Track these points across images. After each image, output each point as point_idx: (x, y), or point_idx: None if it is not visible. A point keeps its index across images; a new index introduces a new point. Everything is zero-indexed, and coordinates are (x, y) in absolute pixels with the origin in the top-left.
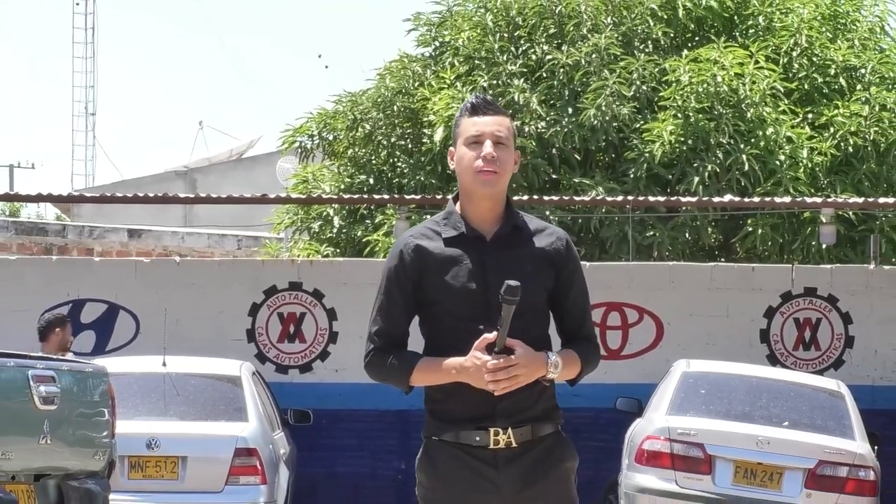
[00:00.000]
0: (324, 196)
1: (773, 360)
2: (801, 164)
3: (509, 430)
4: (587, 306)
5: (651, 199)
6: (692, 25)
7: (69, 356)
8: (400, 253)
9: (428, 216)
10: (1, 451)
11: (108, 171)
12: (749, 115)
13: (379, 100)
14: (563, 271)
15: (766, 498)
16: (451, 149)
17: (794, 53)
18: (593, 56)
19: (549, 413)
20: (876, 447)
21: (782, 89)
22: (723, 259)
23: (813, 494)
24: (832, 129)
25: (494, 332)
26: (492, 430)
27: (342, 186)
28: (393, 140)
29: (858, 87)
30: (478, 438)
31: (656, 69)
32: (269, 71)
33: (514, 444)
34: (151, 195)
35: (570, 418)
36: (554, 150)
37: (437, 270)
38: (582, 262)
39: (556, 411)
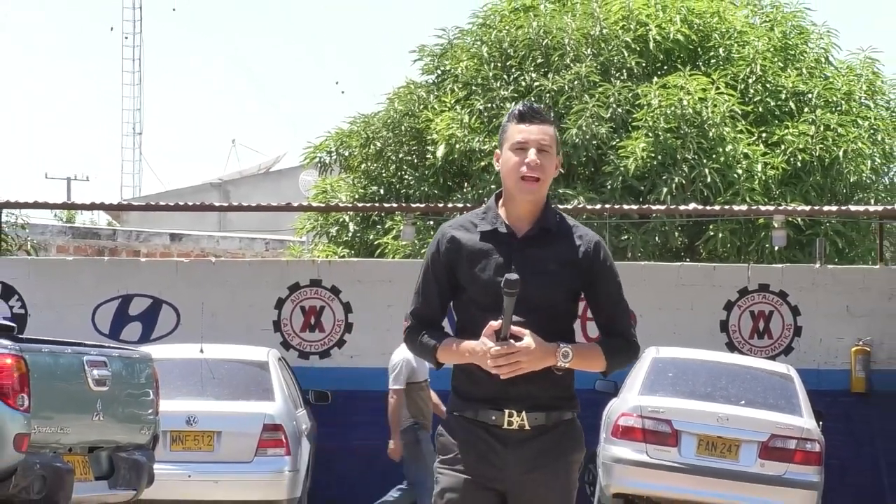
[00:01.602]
0: (340, 204)
1: (731, 347)
2: (756, 176)
3: (523, 413)
4: (619, 305)
5: (625, 207)
6: (661, 56)
7: (407, 351)
8: (437, 242)
9: (431, 222)
10: (59, 426)
11: (153, 182)
12: (711, 134)
13: (388, 121)
14: (589, 272)
15: (725, 467)
16: (497, 151)
17: (750, 80)
18: (575, 83)
19: (564, 401)
20: (821, 423)
21: (740, 111)
22: (688, 259)
23: (766, 464)
24: (783, 147)
25: (500, 320)
26: (506, 412)
27: (356, 196)
28: (400, 156)
29: (806, 109)
30: (493, 418)
31: (630, 94)
32: (294, 96)
33: (527, 427)
34: (190, 204)
35: None
36: None
37: (468, 261)
38: None
39: (572, 400)
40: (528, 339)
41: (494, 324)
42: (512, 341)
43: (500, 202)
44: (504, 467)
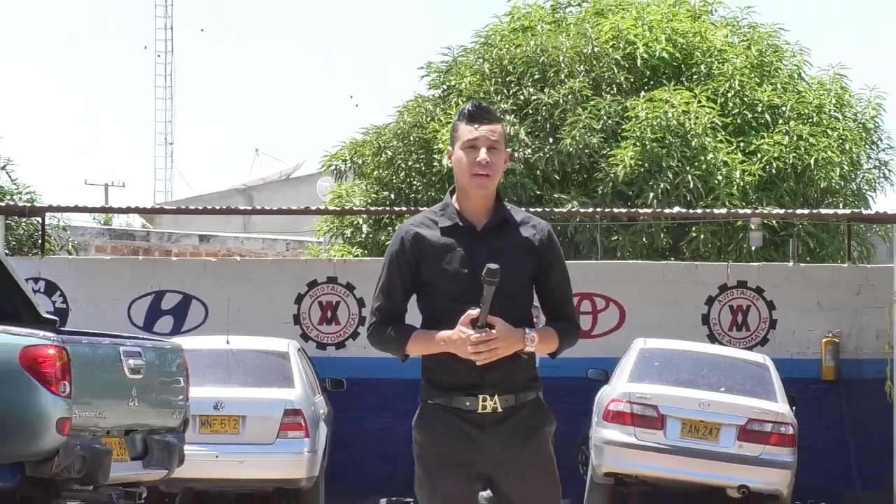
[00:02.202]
0: (354, 208)
1: (712, 338)
2: (734, 182)
3: (496, 396)
4: (568, 290)
5: (615, 210)
6: (648, 72)
7: None
8: (401, 239)
9: None
10: (98, 411)
11: (183, 188)
12: (693, 143)
13: (398, 131)
14: (545, 258)
15: (706, 448)
16: (449, 149)
17: (729, 94)
18: (569, 97)
19: (530, 382)
20: (794, 407)
21: (720, 123)
22: (672, 258)
23: (744, 445)
24: (759, 155)
25: (478, 309)
26: (480, 397)
27: (369, 200)
28: (409, 164)
29: (780, 121)
30: (468, 403)
31: (619, 107)
32: (312, 108)
33: (499, 409)
34: (217, 208)
35: (551, 385)
36: (538, 172)
37: (433, 256)
38: None
39: (537, 381)
40: (501, 326)
41: (473, 312)
42: (488, 329)
43: (454, 198)
44: (483, 450)
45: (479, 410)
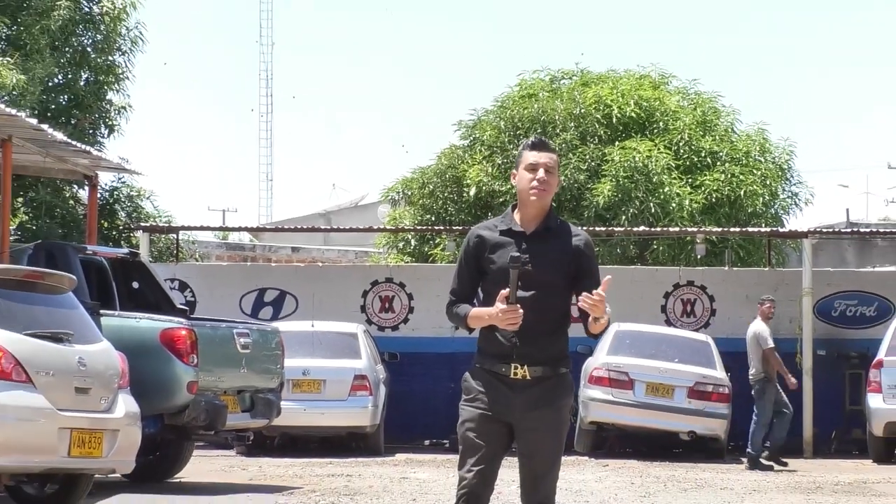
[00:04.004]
0: (405, 227)
1: (668, 323)
2: (684, 208)
3: (525, 366)
4: (598, 287)
5: (596, 229)
6: (621, 127)
7: (764, 325)
8: (468, 239)
9: None
10: (217, 376)
11: (280, 212)
12: (654, 180)
13: (437, 171)
14: (579, 261)
15: (665, 403)
16: (514, 171)
17: (681, 143)
18: (562, 145)
19: (559, 360)
20: (728, 374)
21: (673, 164)
22: (639, 264)
23: (692, 402)
24: (703, 188)
25: (508, 289)
26: (512, 365)
27: (416, 222)
28: (445, 195)
29: (718, 163)
30: (503, 369)
31: (599, 153)
32: (374, 152)
33: (528, 377)
34: (305, 227)
35: None
36: None
37: (489, 252)
38: None
39: (565, 359)
40: (603, 295)
41: (504, 291)
42: (518, 305)
43: (515, 211)
44: (511, 406)
45: (511, 376)
